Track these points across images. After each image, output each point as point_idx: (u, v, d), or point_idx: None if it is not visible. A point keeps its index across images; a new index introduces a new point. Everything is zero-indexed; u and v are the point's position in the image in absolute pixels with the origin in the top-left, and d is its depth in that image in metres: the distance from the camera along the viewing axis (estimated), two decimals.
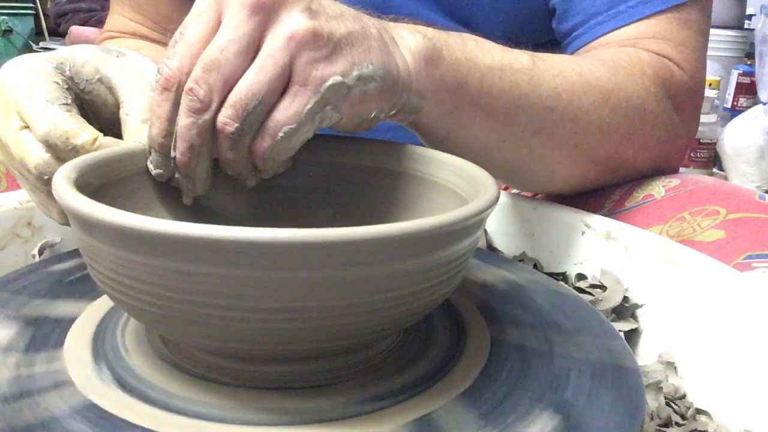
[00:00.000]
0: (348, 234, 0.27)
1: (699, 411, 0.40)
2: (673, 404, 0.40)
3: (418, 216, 0.40)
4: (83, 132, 0.40)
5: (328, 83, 0.37)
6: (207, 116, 0.37)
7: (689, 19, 0.60)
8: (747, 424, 0.37)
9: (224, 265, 0.27)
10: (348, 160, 0.45)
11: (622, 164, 0.57)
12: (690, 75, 0.59)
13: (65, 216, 0.43)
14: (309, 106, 0.37)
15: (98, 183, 0.36)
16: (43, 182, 0.42)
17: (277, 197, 0.45)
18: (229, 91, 0.36)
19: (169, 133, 0.38)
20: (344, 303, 0.29)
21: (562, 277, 0.55)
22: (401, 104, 0.44)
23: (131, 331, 0.37)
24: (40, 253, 0.52)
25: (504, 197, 0.59)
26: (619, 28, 0.60)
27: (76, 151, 0.40)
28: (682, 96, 0.59)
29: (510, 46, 0.51)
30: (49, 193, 0.42)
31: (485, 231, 0.59)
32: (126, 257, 0.28)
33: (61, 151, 0.40)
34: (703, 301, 0.43)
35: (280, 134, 0.37)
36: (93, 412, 0.30)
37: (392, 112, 0.44)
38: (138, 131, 0.43)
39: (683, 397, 0.41)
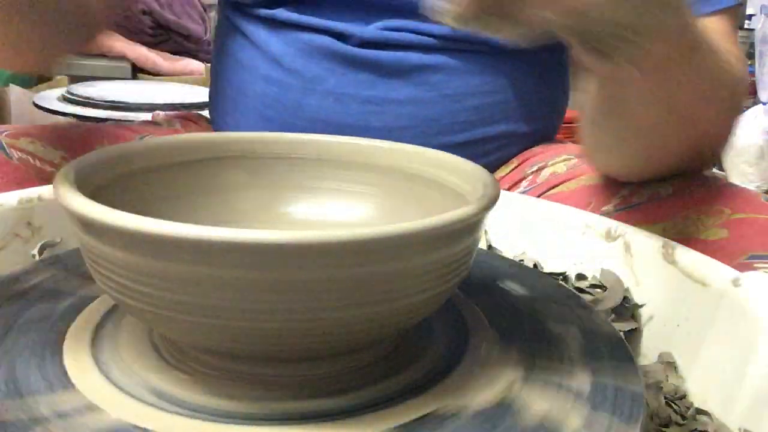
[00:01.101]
0: (348, 235, 0.27)
1: (699, 411, 0.40)
2: (673, 404, 0.40)
3: (420, 215, 0.40)
4: None
5: None
6: None
7: (733, 23, 0.60)
8: (747, 424, 0.37)
9: (226, 267, 0.27)
10: (349, 159, 0.45)
11: (703, 155, 0.57)
12: (742, 76, 0.58)
13: None
14: None
15: (99, 183, 0.36)
16: None
17: (279, 197, 0.45)
18: None
19: None
20: (345, 303, 0.29)
21: (562, 277, 0.55)
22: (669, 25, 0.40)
23: (129, 335, 0.37)
24: (40, 253, 0.52)
25: (504, 197, 0.59)
26: None
27: None
28: (740, 96, 0.58)
29: None
30: None
31: (485, 231, 0.59)
32: (127, 259, 0.28)
33: None
34: (703, 302, 0.43)
35: None
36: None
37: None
38: None
39: (683, 397, 0.41)
